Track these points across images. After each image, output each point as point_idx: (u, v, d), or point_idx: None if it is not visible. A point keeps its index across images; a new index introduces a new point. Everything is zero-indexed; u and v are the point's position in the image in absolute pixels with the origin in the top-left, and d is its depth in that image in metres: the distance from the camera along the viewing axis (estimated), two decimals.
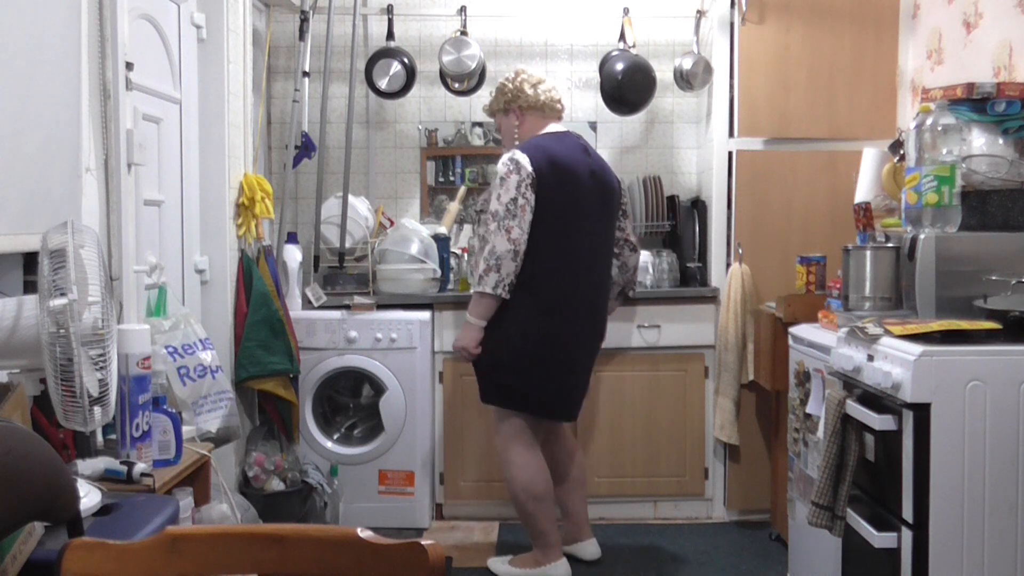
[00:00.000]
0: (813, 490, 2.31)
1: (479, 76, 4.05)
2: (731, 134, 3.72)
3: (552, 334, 2.99)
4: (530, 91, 3.16)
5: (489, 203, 3.00)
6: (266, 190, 3.46)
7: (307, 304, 3.71)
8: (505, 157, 3.01)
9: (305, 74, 3.90)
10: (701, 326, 3.71)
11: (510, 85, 3.20)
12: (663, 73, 4.05)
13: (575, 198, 3.01)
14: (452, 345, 3.15)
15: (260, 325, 3.36)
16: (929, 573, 2.02)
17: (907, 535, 2.06)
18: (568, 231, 3.00)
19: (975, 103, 2.53)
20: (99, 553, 1.05)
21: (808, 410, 2.69)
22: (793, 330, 2.92)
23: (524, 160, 2.96)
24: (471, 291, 3.03)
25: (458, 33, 4.00)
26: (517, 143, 3.14)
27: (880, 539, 2.12)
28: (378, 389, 3.63)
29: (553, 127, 3.18)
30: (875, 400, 2.19)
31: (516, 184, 2.93)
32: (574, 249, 3.01)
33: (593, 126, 4.20)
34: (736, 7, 3.67)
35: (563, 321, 3.01)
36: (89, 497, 1.78)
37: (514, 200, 2.92)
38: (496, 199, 2.95)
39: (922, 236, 2.36)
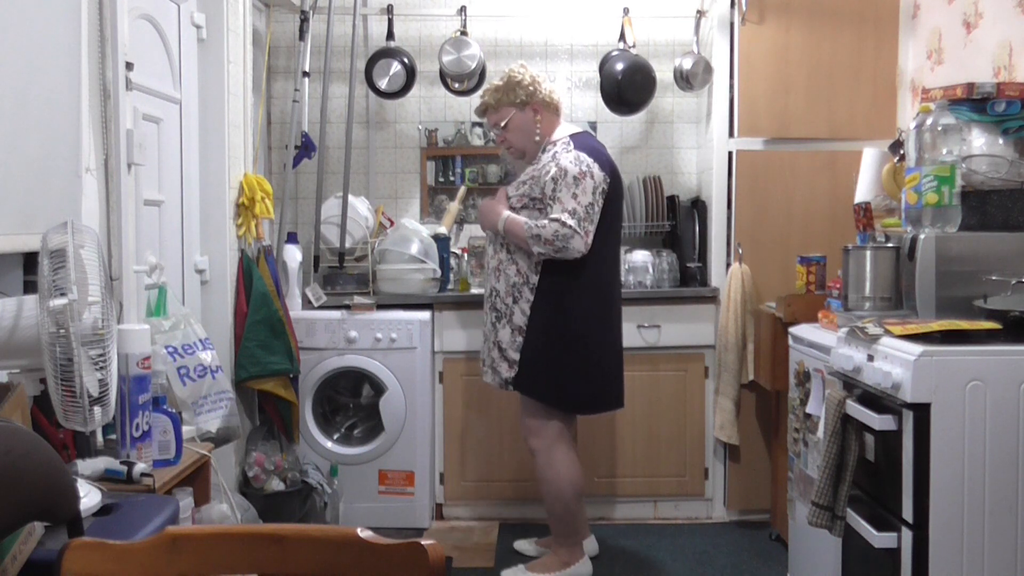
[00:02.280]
0: (813, 490, 2.31)
1: (479, 76, 4.05)
2: (731, 134, 3.72)
3: (612, 334, 3.09)
4: (545, 87, 3.09)
5: (559, 192, 2.91)
6: (266, 190, 3.46)
7: (307, 304, 3.71)
8: (571, 156, 2.94)
9: (305, 74, 3.90)
10: (701, 326, 3.71)
11: (526, 78, 3.06)
12: (663, 73, 4.04)
13: (620, 204, 3.15)
14: (480, 216, 3.10)
15: (260, 325, 3.36)
16: (929, 573, 2.02)
17: (907, 535, 2.06)
18: (618, 236, 3.14)
19: (975, 103, 2.53)
20: (99, 553, 1.05)
21: (808, 410, 2.69)
22: (793, 330, 2.92)
23: (595, 166, 2.96)
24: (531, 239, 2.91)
25: (458, 33, 4.00)
26: (538, 139, 3.07)
27: (880, 539, 2.12)
28: (378, 389, 3.63)
29: (570, 126, 3.14)
30: (875, 400, 2.19)
31: (592, 189, 2.93)
32: (619, 251, 3.20)
33: (593, 126, 4.20)
34: (736, 7, 3.67)
35: (617, 322, 3.13)
36: (89, 497, 1.78)
37: (592, 205, 2.93)
38: (572, 197, 2.90)
39: (922, 236, 2.36)
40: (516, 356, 3.01)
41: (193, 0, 3.18)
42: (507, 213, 2.98)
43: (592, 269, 2.99)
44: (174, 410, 2.44)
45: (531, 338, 2.99)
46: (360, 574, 1.04)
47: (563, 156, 2.96)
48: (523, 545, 3.42)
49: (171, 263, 3.04)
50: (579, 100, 4.21)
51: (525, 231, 2.92)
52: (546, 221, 2.90)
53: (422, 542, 1.03)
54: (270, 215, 3.53)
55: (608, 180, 2.98)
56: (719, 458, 3.76)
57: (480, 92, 3.18)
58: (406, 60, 4.01)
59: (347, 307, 3.65)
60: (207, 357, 2.77)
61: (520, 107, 3.06)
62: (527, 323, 2.99)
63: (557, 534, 3.14)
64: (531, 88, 3.05)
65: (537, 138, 3.08)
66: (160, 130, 2.95)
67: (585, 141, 3.06)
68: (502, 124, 3.10)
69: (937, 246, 2.34)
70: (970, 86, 2.53)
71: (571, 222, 2.88)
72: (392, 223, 4.04)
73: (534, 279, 2.98)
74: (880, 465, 2.20)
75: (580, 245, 2.89)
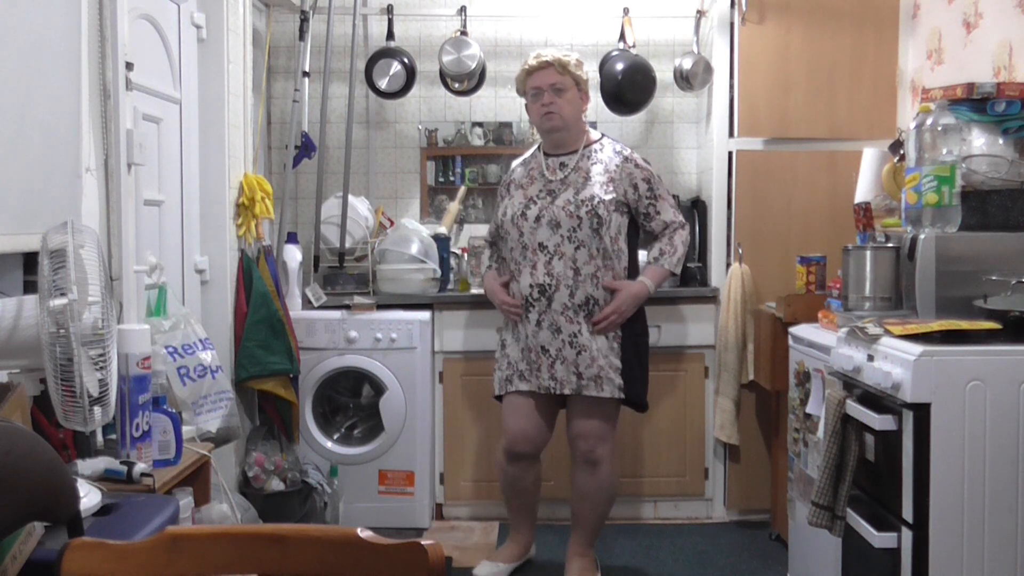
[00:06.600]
0: (813, 490, 2.31)
1: (479, 76, 4.05)
2: (731, 134, 3.72)
3: None
4: None
5: (657, 191, 3.02)
6: (266, 190, 3.46)
7: (307, 304, 3.71)
8: (637, 155, 3.08)
9: (305, 74, 3.90)
10: (701, 326, 3.71)
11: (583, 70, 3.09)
12: (663, 73, 4.04)
13: None
14: (612, 312, 2.91)
15: (260, 325, 3.36)
16: (929, 573, 2.02)
17: (907, 535, 2.06)
18: None
19: (975, 103, 2.53)
20: (99, 553, 1.05)
21: (808, 410, 2.69)
22: (793, 330, 2.92)
23: None
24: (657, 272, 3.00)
25: (458, 33, 4.00)
26: (582, 126, 3.10)
27: (880, 539, 2.12)
28: (378, 389, 3.63)
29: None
30: (875, 400, 2.19)
31: None
32: None
33: (593, 126, 4.16)
34: (736, 7, 3.67)
35: None
36: (89, 497, 1.78)
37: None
38: (667, 193, 3.07)
39: (922, 236, 2.36)
40: (619, 363, 2.94)
41: (193, 0, 3.18)
42: (647, 280, 2.98)
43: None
44: (174, 410, 2.44)
45: (626, 343, 2.97)
46: (360, 574, 1.04)
47: (633, 154, 3.07)
48: (486, 569, 3.15)
49: (171, 263, 3.04)
50: None
51: (671, 268, 3.02)
52: (668, 240, 3.01)
53: (422, 542, 1.03)
54: (270, 215, 3.53)
55: None
56: (719, 458, 3.76)
57: (544, 54, 3.04)
58: (406, 60, 4.01)
59: (347, 307, 3.65)
60: (207, 357, 2.77)
61: (580, 88, 3.07)
62: (621, 328, 2.96)
63: (594, 535, 3.09)
64: (587, 80, 3.11)
65: (583, 124, 3.10)
66: (160, 130, 2.95)
67: None
68: (562, 88, 3.01)
69: (937, 246, 2.34)
70: (970, 86, 2.53)
71: (681, 218, 3.06)
72: (392, 223, 4.04)
73: None
74: (880, 465, 2.20)
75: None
